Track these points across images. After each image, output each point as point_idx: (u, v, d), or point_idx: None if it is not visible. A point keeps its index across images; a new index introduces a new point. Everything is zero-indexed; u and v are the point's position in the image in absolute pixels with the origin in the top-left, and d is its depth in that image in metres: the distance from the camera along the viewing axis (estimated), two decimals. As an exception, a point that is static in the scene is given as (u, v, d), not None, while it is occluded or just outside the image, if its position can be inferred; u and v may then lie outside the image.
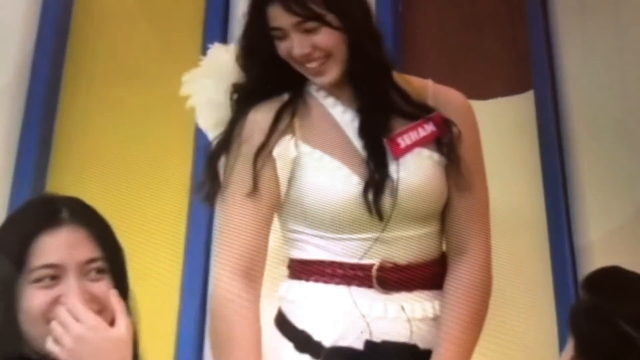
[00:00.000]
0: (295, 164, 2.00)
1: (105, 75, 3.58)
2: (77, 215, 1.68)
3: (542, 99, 3.44)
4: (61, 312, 1.60)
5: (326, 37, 1.97)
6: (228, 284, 1.96)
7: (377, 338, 1.96)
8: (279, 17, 1.97)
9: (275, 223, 2.07)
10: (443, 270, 2.07)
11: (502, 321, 2.90)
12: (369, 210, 1.95)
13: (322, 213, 1.98)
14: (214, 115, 2.10)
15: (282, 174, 2.00)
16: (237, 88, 2.07)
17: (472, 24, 3.63)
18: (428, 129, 2.02)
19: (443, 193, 2.03)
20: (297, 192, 2.00)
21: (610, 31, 3.43)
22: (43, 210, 1.69)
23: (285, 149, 2.00)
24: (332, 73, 2.01)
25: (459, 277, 2.03)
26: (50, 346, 1.59)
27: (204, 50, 2.21)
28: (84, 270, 1.65)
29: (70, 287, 1.62)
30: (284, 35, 1.99)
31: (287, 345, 2.00)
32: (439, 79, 2.15)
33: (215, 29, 3.53)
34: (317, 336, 1.97)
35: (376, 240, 1.98)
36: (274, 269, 2.05)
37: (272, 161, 2.00)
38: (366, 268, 1.99)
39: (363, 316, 1.96)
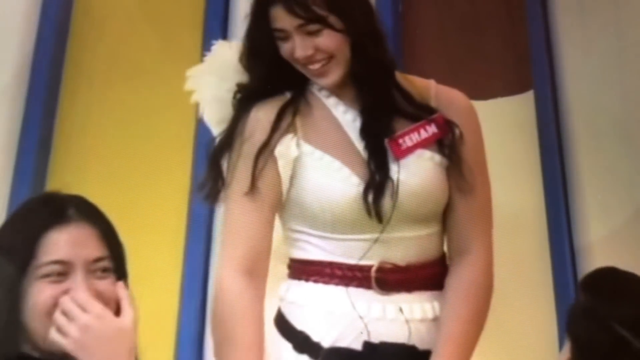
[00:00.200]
0: (296, 163, 2.00)
1: (105, 75, 3.58)
2: (83, 213, 1.69)
3: (542, 99, 3.44)
4: (66, 301, 1.60)
5: (328, 39, 1.97)
6: (231, 281, 1.96)
7: (376, 339, 1.95)
8: (281, 18, 1.97)
9: (277, 221, 2.07)
10: (443, 270, 2.07)
11: (502, 321, 2.90)
12: (369, 212, 1.94)
13: (322, 213, 1.98)
14: (218, 111, 2.10)
15: (284, 173, 2.00)
16: (240, 87, 2.07)
17: (472, 24, 3.63)
18: (430, 130, 2.02)
19: (443, 195, 2.03)
20: (297, 192, 2.00)
21: (609, 31, 3.43)
22: (50, 207, 1.70)
23: (287, 148, 2.00)
24: (335, 74, 2.01)
25: (460, 278, 2.03)
26: (54, 336, 1.59)
27: (203, 50, 2.21)
28: (90, 268, 1.66)
29: (78, 283, 1.63)
30: (286, 37, 1.99)
31: (286, 346, 2.00)
32: (439, 79, 2.15)
33: (215, 28, 3.53)
34: (315, 337, 1.97)
35: (375, 241, 1.97)
36: (274, 267, 2.05)
37: (274, 160, 1.99)
38: (365, 269, 1.98)
39: (360, 317, 1.96)
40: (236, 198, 1.99)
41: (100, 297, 1.64)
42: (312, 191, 1.98)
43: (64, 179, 3.35)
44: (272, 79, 2.05)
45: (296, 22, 1.96)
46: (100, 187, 3.23)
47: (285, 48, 2.00)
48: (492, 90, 3.43)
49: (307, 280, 2.02)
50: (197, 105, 2.16)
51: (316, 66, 2.00)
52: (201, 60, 2.18)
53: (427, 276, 2.04)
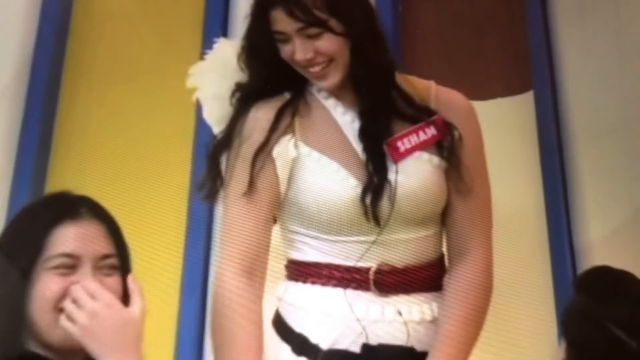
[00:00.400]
0: (294, 164, 2.00)
1: (105, 75, 3.58)
2: (93, 211, 1.74)
3: (541, 99, 3.44)
4: (76, 289, 1.63)
5: (329, 43, 1.96)
6: (230, 281, 1.96)
7: (374, 341, 1.95)
8: (281, 21, 1.96)
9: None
10: (442, 272, 2.07)
11: (502, 321, 2.90)
12: (366, 214, 1.94)
13: (319, 214, 1.97)
14: (218, 109, 2.10)
15: (282, 173, 2.00)
16: (238, 87, 2.07)
17: (472, 24, 3.64)
18: (429, 132, 2.01)
19: (441, 197, 2.02)
20: (295, 193, 2.00)
21: (609, 32, 3.43)
22: (61, 203, 1.74)
23: (285, 148, 2.00)
24: (335, 77, 2.00)
25: (460, 278, 2.02)
26: (64, 323, 1.62)
27: (203, 50, 2.21)
28: (98, 264, 1.69)
29: (86, 277, 1.66)
30: (286, 39, 1.98)
31: (285, 348, 2.00)
32: (439, 80, 2.15)
33: (215, 28, 3.53)
34: (314, 339, 1.97)
35: (373, 243, 1.97)
36: (273, 266, 2.05)
37: (272, 161, 1.99)
38: (363, 271, 1.98)
39: (359, 319, 1.96)
40: (234, 198, 1.98)
41: None
42: (309, 192, 1.98)
43: (64, 179, 3.35)
44: (271, 79, 2.05)
45: (297, 25, 1.95)
46: (100, 187, 3.24)
47: (285, 50, 2.00)
48: (492, 90, 3.44)
49: (304, 281, 2.02)
50: (196, 105, 2.17)
51: (316, 69, 1.99)
52: (201, 60, 2.18)
53: (426, 278, 2.03)
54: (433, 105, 2.07)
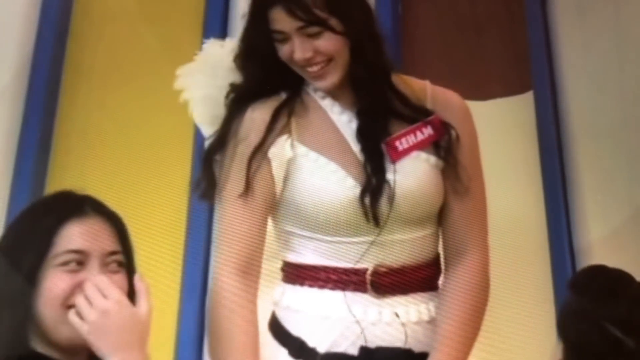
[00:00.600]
0: (290, 164, 1.99)
1: (105, 76, 3.58)
2: (99, 209, 1.76)
3: (541, 99, 3.44)
4: (89, 286, 1.65)
5: (328, 42, 1.96)
6: (226, 281, 1.96)
7: (372, 344, 1.95)
8: (281, 20, 1.96)
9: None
10: (438, 271, 2.07)
11: (502, 322, 2.91)
12: (366, 215, 1.94)
13: (316, 215, 1.97)
14: (209, 110, 2.10)
15: (277, 174, 1.99)
16: (233, 87, 2.06)
17: (471, 25, 3.64)
18: (426, 132, 2.01)
19: (439, 197, 2.02)
20: (291, 193, 1.99)
21: (609, 32, 3.43)
22: (68, 202, 1.76)
23: (281, 149, 1.99)
24: (333, 77, 2.00)
25: (456, 279, 2.02)
26: (73, 318, 1.63)
27: (203, 51, 2.21)
28: (106, 260, 1.72)
29: (94, 274, 1.68)
30: (285, 39, 1.97)
31: (282, 351, 1.99)
32: (438, 80, 2.15)
33: (215, 28, 3.53)
34: (311, 342, 1.96)
35: (372, 243, 1.97)
36: (264, 266, 2.04)
37: (268, 161, 1.99)
38: (360, 273, 1.98)
39: (357, 322, 1.95)
40: (230, 199, 1.98)
41: None
42: (307, 193, 1.97)
43: (64, 179, 3.35)
44: (267, 79, 2.04)
45: (296, 24, 1.94)
46: (100, 187, 3.20)
47: (283, 50, 1.99)
48: (491, 90, 3.44)
49: (302, 284, 2.01)
50: (196, 105, 2.16)
51: (315, 68, 1.99)
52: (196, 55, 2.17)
53: (422, 278, 2.03)
54: (429, 105, 2.07)
